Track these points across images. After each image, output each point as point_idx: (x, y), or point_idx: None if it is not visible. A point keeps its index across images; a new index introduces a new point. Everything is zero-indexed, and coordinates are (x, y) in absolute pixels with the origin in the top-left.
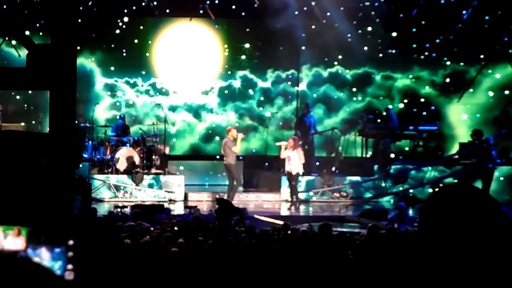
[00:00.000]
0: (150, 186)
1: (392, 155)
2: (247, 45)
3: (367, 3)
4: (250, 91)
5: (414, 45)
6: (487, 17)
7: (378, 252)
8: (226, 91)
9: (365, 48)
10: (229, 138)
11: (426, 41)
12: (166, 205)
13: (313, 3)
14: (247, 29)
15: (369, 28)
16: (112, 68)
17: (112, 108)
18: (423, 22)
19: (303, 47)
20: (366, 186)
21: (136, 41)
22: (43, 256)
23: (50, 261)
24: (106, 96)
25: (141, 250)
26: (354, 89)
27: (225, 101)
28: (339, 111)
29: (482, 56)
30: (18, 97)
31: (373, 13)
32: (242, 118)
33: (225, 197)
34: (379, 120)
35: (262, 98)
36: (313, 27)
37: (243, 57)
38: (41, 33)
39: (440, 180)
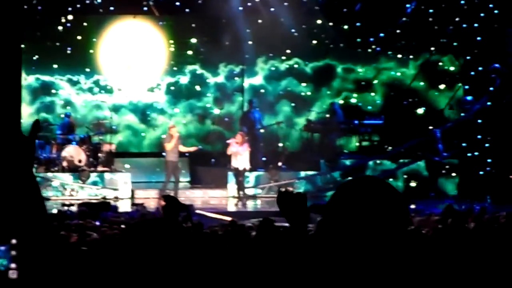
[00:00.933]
0: (96, 184)
1: (339, 150)
2: (193, 40)
3: None
4: (198, 87)
5: (359, 39)
6: (431, 10)
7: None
8: (173, 88)
9: (314, 41)
10: (167, 135)
11: (370, 35)
12: (112, 202)
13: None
14: (193, 25)
15: (318, 22)
16: (55, 66)
17: (45, 110)
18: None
19: (250, 42)
20: (313, 181)
21: (79, 38)
22: None
23: None
24: (41, 95)
25: (89, 248)
26: (318, 83)
27: (175, 99)
28: (311, 108)
29: (432, 49)
30: None
31: (316, 7)
32: (201, 121)
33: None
34: (327, 115)
35: (214, 95)
36: (260, 21)
37: (190, 52)
38: None
39: (386, 173)
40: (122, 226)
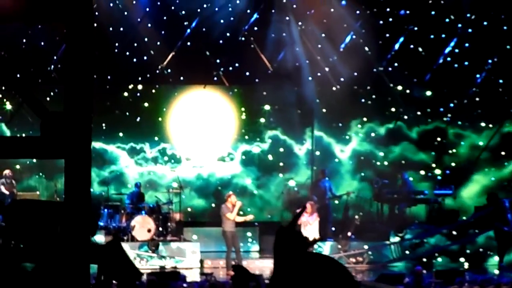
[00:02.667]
0: (166, 253)
1: (409, 220)
2: (267, 107)
3: (381, 68)
4: (271, 157)
5: (429, 109)
6: (501, 81)
7: None
8: (245, 157)
9: (393, 109)
10: (226, 204)
11: (440, 105)
12: (182, 272)
13: (326, 69)
14: (264, 93)
15: (390, 89)
16: (121, 134)
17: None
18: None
19: (324, 110)
20: (382, 251)
21: (147, 106)
22: None
23: None
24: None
25: None
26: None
27: (247, 169)
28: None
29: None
30: (29, 162)
31: (386, 78)
32: (273, 190)
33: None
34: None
35: (286, 163)
36: (334, 88)
37: (262, 120)
38: (48, 99)
39: (456, 244)
40: None
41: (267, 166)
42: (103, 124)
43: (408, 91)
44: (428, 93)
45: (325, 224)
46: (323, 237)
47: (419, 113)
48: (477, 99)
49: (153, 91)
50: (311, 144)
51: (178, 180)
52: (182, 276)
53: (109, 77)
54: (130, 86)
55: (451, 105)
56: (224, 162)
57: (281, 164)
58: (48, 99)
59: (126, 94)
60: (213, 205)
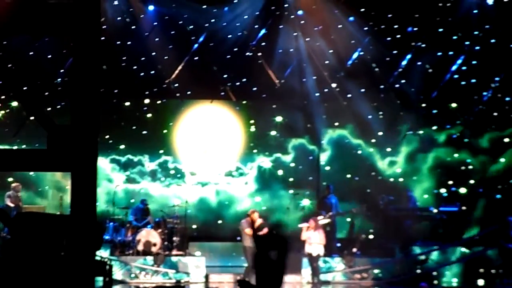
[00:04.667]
0: (171, 267)
1: (414, 237)
2: (278, 119)
3: (388, 85)
4: (281, 172)
5: (435, 127)
6: (507, 98)
7: None
8: (254, 172)
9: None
10: (247, 220)
11: (447, 121)
12: (186, 286)
13: (333, 85)
14: (273, 106)
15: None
16: (123, 147)
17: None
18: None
19: (336, 123)
20: (387, 267)
21: (154, 120)
22: None
23: None
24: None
25: None
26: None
27: (255, 184)
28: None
29: None
30: (33, 174)
31: (393, 95)
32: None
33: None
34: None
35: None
36: (345, 103)
37: (273, 133)
38: (54, 111)
39: (461, 261)
40: None
41: (277, 180)
42: (108, 137)
43: (420, 106)
44: (454, 104)
45: (330, 240)
46: (328, 253)
47: (434, 127)
48: (495, 114)
49: (160, 104)
50: (317, 157)
51: (180, 195)
52: None
53: (115, 90)
54: (137, 100)
55: (458, 122)
56: (232, 178)
57: (291, 179)
58: (54, 112)
59: (132, 108)
60: (219, 221)
